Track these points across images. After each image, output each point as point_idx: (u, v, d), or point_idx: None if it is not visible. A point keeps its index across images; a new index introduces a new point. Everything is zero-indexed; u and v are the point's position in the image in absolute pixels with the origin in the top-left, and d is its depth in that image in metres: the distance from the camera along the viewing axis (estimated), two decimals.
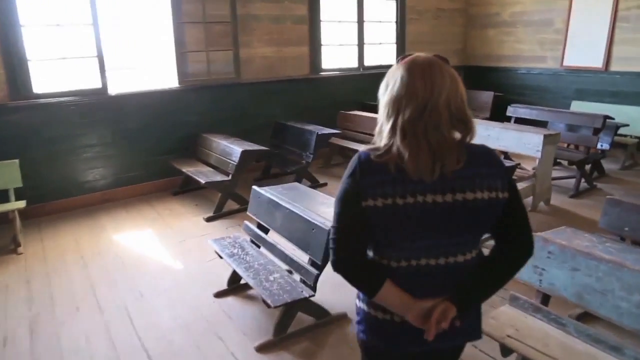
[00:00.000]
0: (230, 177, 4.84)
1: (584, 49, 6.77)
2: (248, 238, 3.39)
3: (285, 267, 3.00)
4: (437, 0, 7.79)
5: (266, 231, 3.29)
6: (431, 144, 1.24)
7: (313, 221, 2.72)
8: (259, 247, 3.28)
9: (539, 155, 4.53)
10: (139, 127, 5.43)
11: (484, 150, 1.34)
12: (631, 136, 6.13)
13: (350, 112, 6.51)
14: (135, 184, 5.50)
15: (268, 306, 2.60)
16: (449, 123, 1.26)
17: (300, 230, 2.83)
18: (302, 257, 2.86)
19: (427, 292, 1.34)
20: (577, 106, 6.80)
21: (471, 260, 1.36)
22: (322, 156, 6.49)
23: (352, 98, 7.02)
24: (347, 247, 1.34)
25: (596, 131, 5.15)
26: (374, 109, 6.82)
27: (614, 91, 6.56)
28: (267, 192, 3.31)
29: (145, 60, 5.60)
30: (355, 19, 6.98)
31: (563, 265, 2.12)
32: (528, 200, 4.75)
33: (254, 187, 3.43)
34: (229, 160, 4.91)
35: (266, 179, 6.02)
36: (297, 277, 2.85)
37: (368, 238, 1.35)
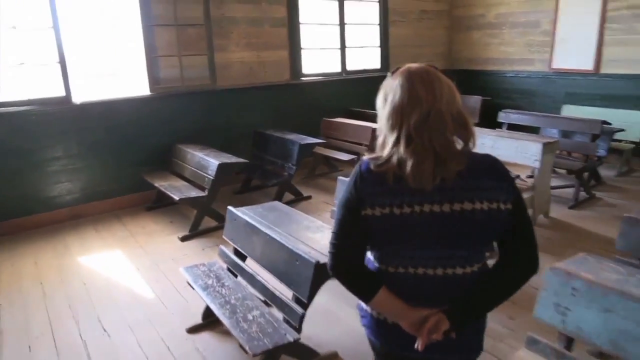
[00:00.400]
0: (206, 192, 4.46)
1: (573, 51, 6.57)
2: (224, 265, 3.03)
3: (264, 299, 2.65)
4: (421, 2, 7.52)
5: (244, 258, 2.93)
6: (436, 150, 1.24)
7: (297, 251, 2.38)
8: (236, 276, 2.92)
9: (537, 165, 4.26)
10: (108, 138, 5.03)
11: (488, 161, 1.32)
12: (626, 141, 5.92)
13: (335, 120, 6.19)
14: (105, 199, 5.10)
15: (246, 352, 2.24)
16: (452, 128, 1.27)
17: (282, 261, 2.48)
18: (286, 291, 2.52)
19: (423, 301, 1.34)
20: (568, 110, 6.59)
21: (472, 274, 1.34)
22: (305, 166, 6.15)
23: (336, 104, 6.70)
24: (345, 253, 1.37)
25: (594, 137, 4.91)
26: (359, 116, 6.60)
27: (606, 94, 6.35)
28: (244, 214, 2.95)
29: (114, 67, 5.21)
30: (337, 21, 6.66)
31: (592, 305, 1.81)
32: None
33: (230, 208, 3.07)
34: (204, 174, 4.54)
35: (247, 192, 5.66)
36: (280, 314, 2.50)
37: (366, 245, 1.39)
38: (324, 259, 2.37)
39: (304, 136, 5.34)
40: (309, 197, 5.40)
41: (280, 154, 5.24)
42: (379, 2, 7.07)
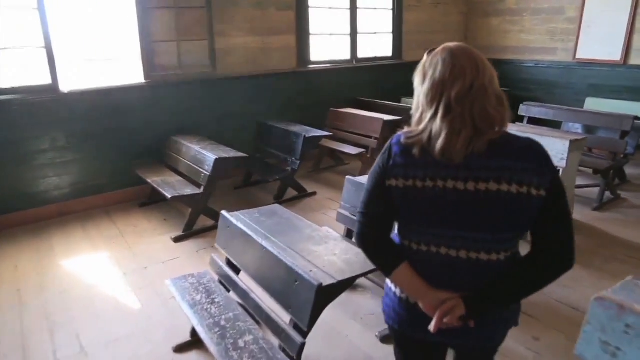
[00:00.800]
0: (202, 189, 4.13)
1: (600, 40, 6.12)
2: (216, 277, 2.70)
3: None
4: None
5: (239, 270, 2.60)
6: (475, 122, 1.22)
7: (296, 270, 2.04)
8: (229, 290, 2.59)
9: (563, 164, 3.87)
10: (99, 129, 4.69)
11: (527, 142, 1.26)
12: None
13: (342, 110, 5.81)
14: (95, 195, 4.78)
15: None
16: (494, 104, 1.25)
17: (279, 280, 2.14)
18: (283, 314, 2.18)
19: (445, 283, 1.33)
20: (591, 103, 6.16)
21: (497, 262, 1.30)
22: (310, 159, 5.80)
23: (344, 94, 6.31)
24: (371, 223, 1.38)
25: (624, 134, 4.51)
26: (369, 107, 6.19)
27: (633, 87, 5.92)
28: (238, 220, 2.61)
29: (105, 53, 4.85)
30: (348, 5, 6.25)
31: None
32: None
33: (223, 213, 2.73)
34: (200, 170, 4.20)
35: (248, 186, 5.32)
36: (276, 339, 2.17)
37: (393, 218, 1.38)
38: (328, 279, 2.04)
39: (309, 128, 4.98)
40: (314, 194, 5.05)
41: (284, 147, 4.89)
42: None
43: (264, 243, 2.30)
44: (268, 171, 4.86)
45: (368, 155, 5.24)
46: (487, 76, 1.26)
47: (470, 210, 1.25)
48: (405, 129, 1.35)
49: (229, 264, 2.63)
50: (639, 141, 5.03)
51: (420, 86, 1.32)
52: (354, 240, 1.48)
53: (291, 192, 4.95)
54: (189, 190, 4.16)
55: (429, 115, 1.27)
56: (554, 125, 5.45)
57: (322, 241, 2.45)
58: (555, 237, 1.27)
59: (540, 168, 1.23)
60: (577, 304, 3.02)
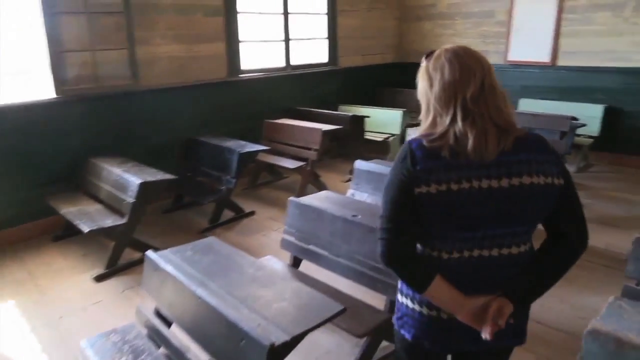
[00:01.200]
0: (126, 219, 3.64)
1: (530, 43, 6.21)
2: (144, 330, 2.28)
3: None
4: None
5: (171, 322, 2.20)
6: (495, 121, 1.25)
7: (241, 327, 1.68)
8: (160, 346, 2.18)
9: None
10: (1, 153, 4.07)
11: (538, 137, 1.31)
12: (584, 136, 5.63)
13: (278, 121, 5.47)
14: None
15: None
16: (504, 99, 1.29)
17: (221, 338, 1.78)
18: None
19: (478, 286, 1.31)
20: (525, 104, 6.24)
21: (525, 254, 1.33)
22: (247, 174, 5.41)
23: (280, 103, 5.99)
24: (399, 238, 1.31)
25: (563, 135, 4.52)
26: (306, 116, 5.85)
27: (562, 87, 6.06)
28: (167, 261, 2.21)
29: (9, 65, 4.24)
30: (280, 10, 5.94)
31: None
32: None
33: (148, 254, 2.31)
34: (123, 197, 3.72)
35: (179, 209, 4.85)
36: None
37: (417, 228, 1.33)
38: (281, 335, 1.70)
39: (243, 142, 4.60)
40: (252, 213, 4.68)
41: (217, 165, 4.49)
42: None
43: (200, 291, 1.92)
44: (201, 192, 4.44)
45: (308, 169, 4.94)
46: (493, 74, 1.29)
47: (506, 207, 1.26)
48: (420, 133, 1.33)
49: (159, 314, 2.22)
50: (574, 140, 5.11)
51: (429, 90, 1.31)
52: (380, 258, 1.31)
53: (228, 213, 4.55)
54: (110, 220, 3.66)
55: (447, 118, 1.27)
56: None
57: (268, 282, 2.10)
58: (574, 220, 1.33)
59: (557, 159, 1.29)
60: (543, 318, 2.87)
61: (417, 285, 1.33)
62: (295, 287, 2.05)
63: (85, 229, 3.48)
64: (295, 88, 6.17)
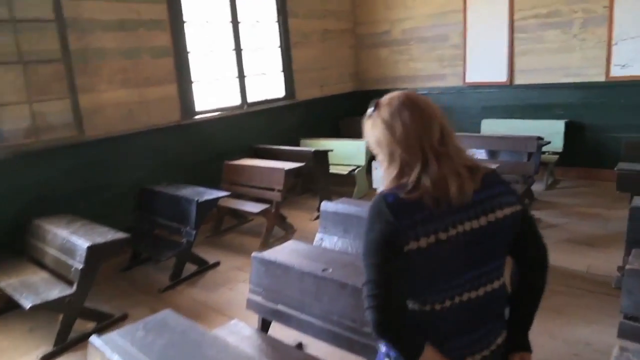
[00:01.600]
0: (74, 288, 3.29)
1: (486, 63, 6.23)
2: None
3: None
4: (322, 20, 6.85)
5: None
6: (462, 161, 1.26)
7: None
8: None
9: None
10: None
11: (491, 169, 1.34)
12: (549, 152, 5.60)
13: (238, 163, 5.22)
14: None
15: None
16: (458, 139, 1.31)
17: None
18: None
19: (468, 328, 1.31)
20: (487, 125, 6.21)
21: (503, 286, 1.35)
22: (209, 220, 5.11)
23: (239, 143, 5.75)
24: (392, 304, 1.23)
25: (529, 155, 4.44)
26: (266, 154, 5.48)
27: (522, 105, 6.07)
28: (114, 349, 1.91)
29: None
30: (232, 46, 5.75)
31: None
32: None
33: (92, 340, 2.00)
34: (71, 262, 3.36)
35: (137, 265, 4.49)
36: None
37: (406, 289, 1.27)
38: None
39: (202, 189, 4.32)
40: (217, 264, 4.37)
41: (175, 216, 4.18)
42: (277, 22, 6.27)
43: None
44: (159, 247, 4.11)
45: (273, 211, 4.69)
46: (445, 116, 1.31)
47: (487, 244, 1.27)
48: (389, 186, 1.28)
49: None
50: (540, 160, 5.04)
51: (391, 139, 1.27)
52: (373, 329, 1.22)
53: (191, 266, 4.23)
54: (57, 291, 3.29)
55: (418, 165, 1.24)
56: None
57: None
58: (535, 241, 1.38)
59: (510, 187, 1.34)
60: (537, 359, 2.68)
61: (409, 355, 1.26)
62: None
63: (27, 304, 3.10)
64: (254, 126, 5.95)
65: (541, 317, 3.06)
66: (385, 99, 1.33)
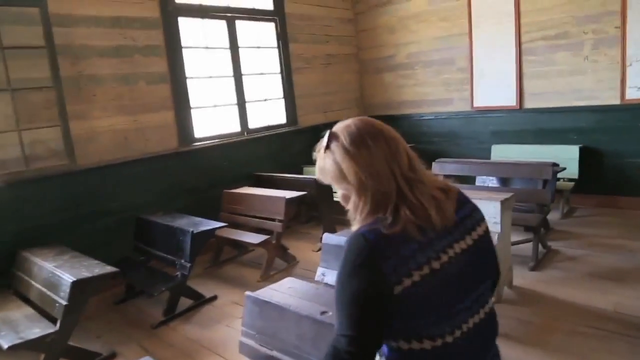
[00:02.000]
0: (57, 325, 3.05)
1: (494, 87, 6.04)
2: None
3: None
4: (325, 45, 6.73)
5: None
6: (434, 184, 1.22)
7: None
8: None
9: (498, 228, 3.38)
10: None
11: (456, 189, 1.29)
12: (564, 179, 5.35)
13: (238, 191, 5.00)
14: None
15: None
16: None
17: None
18: None
19: (481, 354, 1.25)
20: (497, 151, 5.99)
21: (493, 304, 1.31)
22: (208, 250, 4.88)
23: (239, 171, 5.56)
24: (371, 356, 1.13)
25: (544, 183, 4.19)
26: (267, 182, 5.16)
27: (534, 130, 5.83)
28: None
29: None
30: (231, 72, 5.62)
31: None
32: None
33: None
34: (55, 298, 3.14)
35: (131, 298, 4.25)
36: None
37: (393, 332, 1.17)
38: None
39: (199, 219, 4.11)
40: (214, 298, 4.11)
41: (170, 247, 3.96)
42: (278, 47, 6.16)
43: None
44: (152, 280, 3.87)
45: (274, 242, 4.45)
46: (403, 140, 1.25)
47: (478, 262, 1.23)
48: (365, 224, 1.16)
49: None
50: (555, 187, 4.79)
51: (358, 170, 1.17)
52: None
53: (185, 301, 3.98)
54: (39, 330, 3.05)
55: (393, 194, 1.16)
56: (468, 179, 5.11)
57: None
58: (495, 258, 1.36)
59: (474, 203, 1.30)
60: None
61: None
62: None
63: (5, 344, 2.85)
64: (255, 153, 5.77)
65: None
66: (340, 127, 1.24)
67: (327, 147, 1.23)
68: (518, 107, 5.89)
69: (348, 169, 1.18)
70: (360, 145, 1.18)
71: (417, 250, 1.12)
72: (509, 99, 5.93)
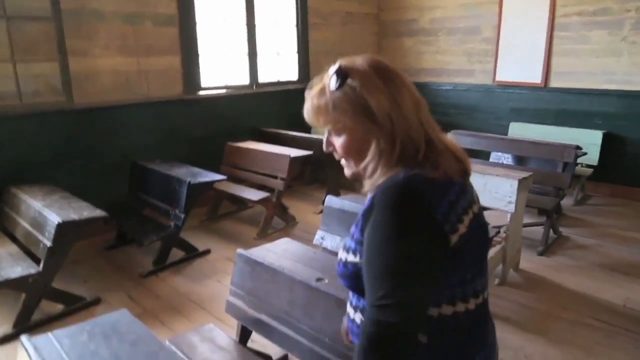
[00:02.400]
0: (41, 266, 2.91)
1: (519, 62, 5.71)
2: None
3: None
4: (345, 2, 6.38)
5: None
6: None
7: None
8: None
9: (512, 208, 3.18)
10: None
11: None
12: (582, 164, 5.10)
13: (241, 145, 4.79)
14: None
15: None
16: None
17: None
18: None
19: (492, 334, 1.13)
20: (516, 129, 5.72)
21: None
22: (206, 203, 4.72)
23: (245, 124, 5.34)
24: (419, 322, 0.95)
25: (564, 166, 3.96)
26: (273, 139, 4.78)
27: (556, 110, 5.54)
28: (44, 354, 1.52)
29: None
30: (244, 21, 5.32)
31: None
32: (497, 271, 3.39)
33: (23, 339, 1.61)
34: (40, 238, 2.99)
35: (122, 245, 4.12)
36: None
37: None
38: None
39: (197, 170, 3.92)
40: (207, 252, 3.98)
41: (165, 196, 3.80)
42: (295, 0, 5.82)
43: None
44: (144, 229, 3.71)
45: (274, 200, 4.27)
46: None
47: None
48: (405, 170, 0.99)
49: None
50: (574, 172, 4.55)
51: (391, 109, 1.00)
52: (380, 341, 0.87)
53: (177, 253, 3.84)
54: (20, 269, 2.91)
55: (422, 142, 1.01)
56: (481, 154, 4.88)
57: None
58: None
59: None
60: None
61: None
62: None
63: None
64: (263, 108, 5.53)
65: (567, 354, 2.69)
66: (355, 64, 1.05)
67: (342, 82, 1.03)
68: (543, 85, 5.58)
69: (378, 105, 0.99)
70: (389, 81, 1.02)
71: (459, 194, 0.99)
72: (534, 76, 5.61)
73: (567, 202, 4.97)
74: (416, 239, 0.93)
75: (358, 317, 1.11)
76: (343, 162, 1.14)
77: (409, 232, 0.93)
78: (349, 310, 1.16)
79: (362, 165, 1.06)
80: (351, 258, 1.06)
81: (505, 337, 2.77)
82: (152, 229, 3.71)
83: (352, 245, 1.06)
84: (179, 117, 4.79)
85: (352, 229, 1.08)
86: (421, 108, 1.06)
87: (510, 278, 3.47)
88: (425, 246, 0.93)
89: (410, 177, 0.97)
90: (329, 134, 1.12)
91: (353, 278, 1.06)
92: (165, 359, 1.57)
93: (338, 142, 1.09)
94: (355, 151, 1.07)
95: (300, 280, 1.93)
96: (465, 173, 1.06)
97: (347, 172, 1.14)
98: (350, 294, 1.16)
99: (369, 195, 1.05)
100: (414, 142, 1.01)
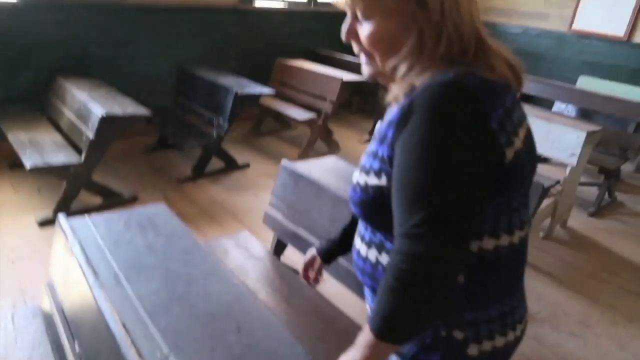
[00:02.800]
0: (82, 157, 2.92)
1: (603, 10, 5.18)
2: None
3: None
4: None
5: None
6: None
7: None
8: None
9: (573, 161, 2.95)
10: None
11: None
12: None
13: (292, 63, 4.61)
14: None
15: None
16: None
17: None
18: None
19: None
20: (586, 83, 5.25)
21: None
22: (250, 118, 4.64)
23: (298, 43, 5.13)
24: (467, 248, 0.80)
25: (637, 127, 3.64)
26: (326, 60, 4.57)
27: (635, 69, 5.07)
28: (83, 238, 1.49)
29: None
30: None
31: None
32: (544, 224, 3.22)
33: (60, 218, 1.58)
34: (83, 129, 2.98)
35: (163, 149, 4.12)
36: None
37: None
38: None
39: (246, 81, 3.80)
40: (246, 166, 3.94)
41: (210, 104, 3.71)
42: None
43: (104, 305, 1.19)
44: (186, 135, 3.67)
45: (320, 122, 4.14)
46: None
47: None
48: (453, 69, 0.79)
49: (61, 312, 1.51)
50: None
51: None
52: (423, 272, 0.72)
53: (216, 163, 3.81)
54: (63, 157, 2.93)
55: (472, 41, 0.83)
56: (542, 103, 4.56)
57: (235, 304, 1.35)
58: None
59: None
60: None
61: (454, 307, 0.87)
62: (257, 315, 1.30)
63: (28, 164, 2.75)
64: (318, 28, 5.27)
65: (609, 320, 2.56)
66: None
67: None
68: (626, 39, 5.07)
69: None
70: None
71: (515, 103, 0.83)
72: (617, 28, 5.10)
73: (627, 167, 4.65)
74: (466, 152, 0.75)
75: (372, 255, 0.94)
76: (362, 58, 0.93)
77: (458, 143, 0.75)
78: (360, 246, 0.98)
79: (392, 62, 0.86)
80: (373, 181, 0.87)
81: (546, 292, 2.66)
82: (194, 135, 3.66)
83: (376, 165, 0.87)
84: (232, 27, 4.61)
85: (374, 146, 0.89)
86: (475, 5, 0.86)
87: (556, 233, 3.31)
88: (477, 161, 0.76)
89: (463, 75, 0.79)
90: (354, 18, 0.89)
91: (372, 206, 0.89)
92: (199, 256, 1.52)
93: (365, 30, 0.87)
94: (388, 43, 0.85)
95: (345, 199, 1.82)
96: (520, 81, 0.88)
97: (366, 70, 0.94)
98: (362, 226, 0.99)
99: (400, 103, 0.84)
100: (462, 39, 0.82)
